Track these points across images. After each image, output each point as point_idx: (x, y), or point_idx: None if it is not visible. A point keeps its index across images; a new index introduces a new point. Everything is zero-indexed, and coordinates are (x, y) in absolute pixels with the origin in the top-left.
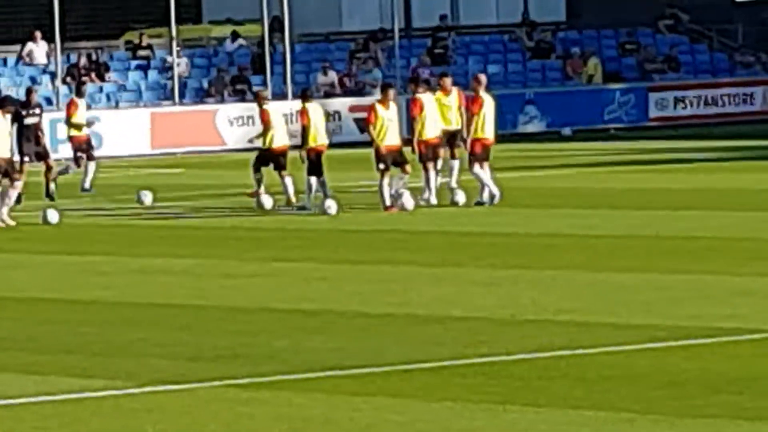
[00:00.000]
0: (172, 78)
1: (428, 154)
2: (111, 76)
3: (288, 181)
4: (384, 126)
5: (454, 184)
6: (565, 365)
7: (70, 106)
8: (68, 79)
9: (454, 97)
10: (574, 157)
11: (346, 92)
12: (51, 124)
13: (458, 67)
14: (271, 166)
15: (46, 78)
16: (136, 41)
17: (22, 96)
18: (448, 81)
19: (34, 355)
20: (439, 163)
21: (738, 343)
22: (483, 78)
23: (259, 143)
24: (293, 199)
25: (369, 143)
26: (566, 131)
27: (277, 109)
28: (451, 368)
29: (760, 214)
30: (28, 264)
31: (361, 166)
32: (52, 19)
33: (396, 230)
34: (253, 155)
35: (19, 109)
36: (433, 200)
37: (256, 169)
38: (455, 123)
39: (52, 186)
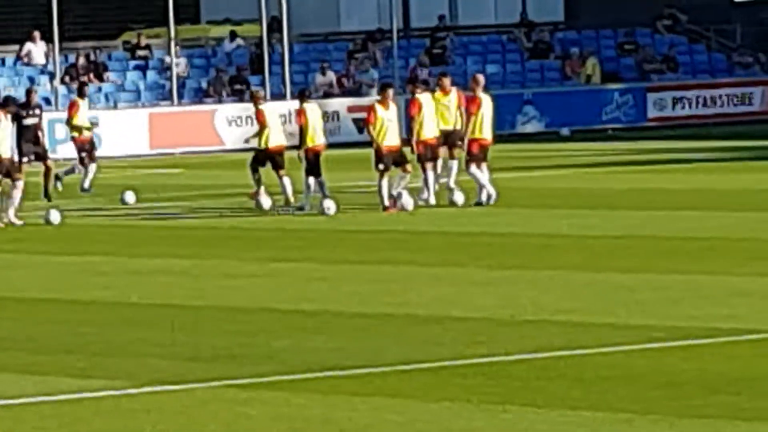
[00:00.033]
0: (170, 78)
1: (426, 154)
2: (109, 76)
3: (286, 181)
4: (384, 126)
5: (452, 185)
6: (563, 365)
7: (72, 107)
8: (67, 79)
9: (453, 97)
10: (572, 157)
11: (345, 92)
12: (49, 124)
13: (457, 68)
14: (269, 166)
15: (44, 78)
16: (135, 41)
17: (22, 96)
18: (447, 81)
19: (34, 355)
20: (440, 163)
21: (736, 344)
22: (481, 78)
23: (254, 143)
24: (291, 198)
25: (368, 143)
26: (565, 131)
27: (273, 109)
28: (450, 368)
29: (759, 215)
30: (28, 264)
31: (359, 167)
32: (51, 19)
33: (395, 230)
34: (250, 155)
35: (18, 109)
36: (432, 200)
37: (254, 170)
38: (454, 123)
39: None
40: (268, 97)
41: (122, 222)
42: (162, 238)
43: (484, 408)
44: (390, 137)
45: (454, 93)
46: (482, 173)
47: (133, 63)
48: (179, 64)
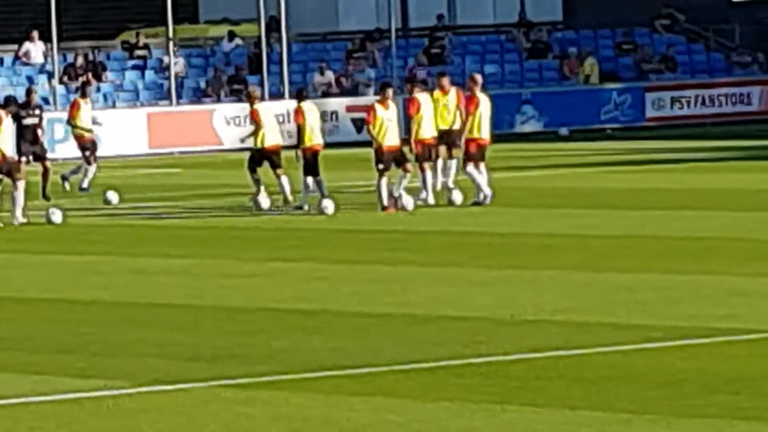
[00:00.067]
0: (168, 78)
1: (425, 154)
2: (108, 76)
3: (284, 180)
4: (383, 126)
5: (451, 184)
6: (562, 365)
7: (73, 106)
8: (65, 78)
9: (452, 97)
10: (570, 157)
11: (343, 92)
12: (48, 123)
13: (455, 67)
14: (266, 165)
15: (43, 78)
16: (133, 41)
17: (22, 96)
18: (445, 80)
19: (33, 355)
20: (440, 162)
21: (735, 344)
22: (479, 78)
23: (249, 143)
24: (290, 197)
25: (367, 143)
26: (563, 131)
27: (268, 109)
28: (449, 368)
29: (758, 215)
30: (27, 264)
31: (358, 166)
32: (49, 19)
33: (394, 230)
34: (248, 156)
35: (18, 109)
36: (431, 200)
37: (252, 171)
38: (452, 122)
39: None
40: (267, 96)
41: (121, 222)
42: (161, 237)
43: (483, 408)
44: (390, 137)
45: (453, 92)
46: (479, 173)
47: (131, 63)
48: (177, 64)
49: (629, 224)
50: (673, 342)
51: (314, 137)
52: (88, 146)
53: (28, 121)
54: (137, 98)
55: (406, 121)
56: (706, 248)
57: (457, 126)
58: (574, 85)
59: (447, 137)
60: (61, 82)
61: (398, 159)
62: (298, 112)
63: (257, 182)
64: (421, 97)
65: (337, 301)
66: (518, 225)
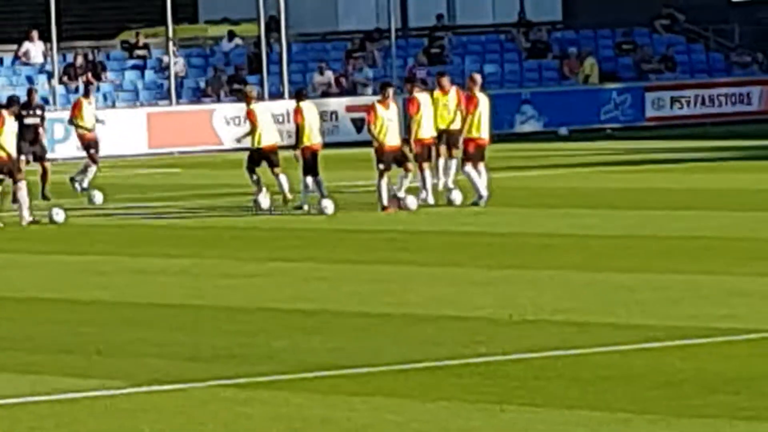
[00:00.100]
0: (168, 78)
1: (424, 153)
2: (107, 75)
3: (282, 178)
4: (384, 126)
5: (450, 184)
6: (561, 365)
7: (75, 106)
8: (65, 78)
9: (452, 96)
10: (570, 157)
11: (343, 92)
12: (48, 123)
13: (455, 67)
14: (264, 165)
15: (42, 78)
16: (133, 41)
17: (21, 95)
18: (445, 80)
19: (32, 355)
20: (441, 162)
21: (735, 343)
22: (478, 77)
23: (246, 142)
24: (289, 195)
25: (366, 143)
26: (563, 131)
27: (264, 108)
28: (448, 368)
29: (758, 214)
30: (27, 264)
31: (358, 166)
32: (49, 19)
33: (393, 230)
34: (246, 156)
35: (19, 109)
36: (431, 200)
37: (251, 171)
38: (450, 122)
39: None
40: (266, 96)
41: (121, 222)
42: (160, 237)
43: (482, 408)
44: (390, 137)
45: (453, 92)
46: (477, 173)
47: (131, 62)
48: (177, 64)
49: (629, 224)
50: (672, 342)
51: (313, 137)
52: (91, 145)
53: (29, 120)
54: (137, 98)
55: (406, 121)
56: (705, 248)
57: (457, 126)
58: (574, 85)
59: (447, 137)
60: (60, 82)
61: (399, 159)
62: (298, 111)
63: (257, 183)
64: (421, 96)
65: (337, 301)
66: (518, 225)
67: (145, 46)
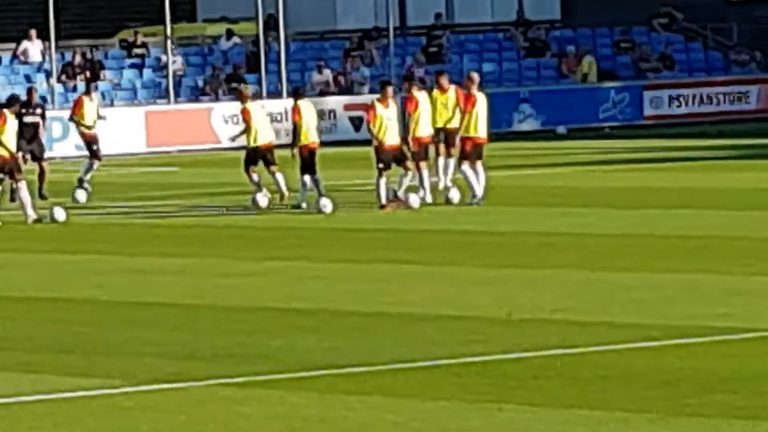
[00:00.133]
0: (167, 76)
1: (421, 152)
2: (106, 74)
3: (279, 176)
4: (384, 125)
5: (449, 183)
6: (560, 364)
7: (77, 104)
8: (63, 77)
9: (451, 95)
10: (568, 155)
11: (341, 91)
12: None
13: (453, 66)
14: (261, 164)
15: (41, 76)
16: (131, 40)
17: (19, 94)
18: (444, 79)
19: (31, 354)
20: (441, 161)
21: (732, 343)
22: (476, 76)
23: (240, 141)
24: (286, 192)
25: (364, 142)
26: (561, 130)
27: (259, 107)
28: (446, 367)
29: (755, 213)
30: (25, 263)
31: (356, 165)
32: (47, 18)
33: (391, 229)
34: (243, 155)
35: (19, 108)
36: (429, 198)
37: (249, 171)
38: (448, 120)
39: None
40: (265, 95)
41: (119, 221)
42: (158, 237)
43: (481, 407)
44: (390, 136)
45: (452, 91)
46: (474, 173)
47: (129, 61)
48: (176, 63)
49: (627, 223)
50: (670, 341)
51: (310, 135)
52: (92, 142)
53: (28, 119)
54: (135, 97)
55: (404, 120)
56: (703, 247)
57: (456, 125)
58: (572, 84)
59: (446, 136)
60: (59, 80)
61: (398, 158)
62: (295, 110)
63: (256, 183)
64: (419, 95)
65: (335, 300)
66: (516, 224)
67: (144, 45)
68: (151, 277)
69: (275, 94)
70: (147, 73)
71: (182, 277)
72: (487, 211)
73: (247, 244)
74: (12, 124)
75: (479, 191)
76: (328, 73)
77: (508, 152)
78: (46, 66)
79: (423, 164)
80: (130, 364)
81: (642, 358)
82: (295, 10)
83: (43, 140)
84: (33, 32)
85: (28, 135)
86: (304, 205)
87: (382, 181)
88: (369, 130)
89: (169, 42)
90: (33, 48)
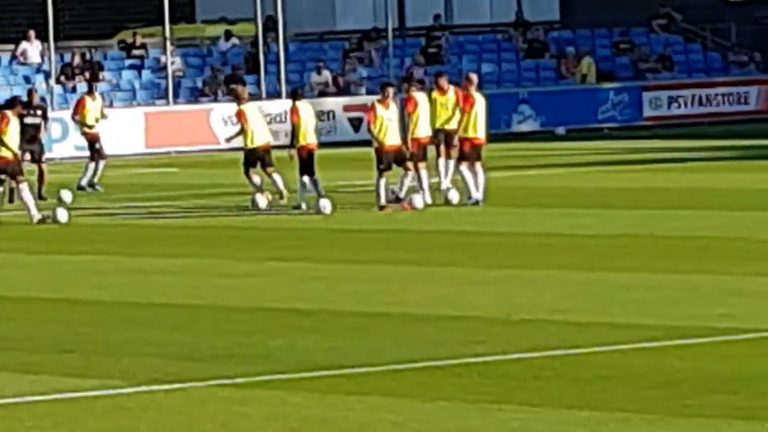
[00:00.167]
0: (166, 77)
1: (420, 153)
2: (105, 75)
3: (276, 177)
4: (384, 126)
5: (448, 183)
6: (560, 365)
7: (79, 104)
8: (62, 78)
9: (451, 96)
10: (568, 156)
11: (340, 91)
12: None
13: (452, 67)
14: (259, 165)
15: (40, 77)
16: (130, 41)
17: (18, 95)
18: (443, 80)
19: (31, 355)
20: (441, 161)
21: (732, 343)
22: (474, 77)
23: (236, 143)
24: (285, 191)
25: (363, 142)
26: (560, 131)
27: (255, 108)
28: (446, 368)
29: (755, 214)
30: (25, 263)
31: (355, 166)
32: (46, 19)
33: (391, 230)
34: (241, 158)
35: (21, 109)
36: (428, 199)
37: (249, 174)
38: (447, 120)
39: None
40: (264, 96)
41: (119, 221)
42: (158, 237)
43: (481, 407)
44: (390, 136)
45: (451, 92)
46: (472, 174)
47: (128, 62)
48: (174, 63)
49: (627, 224)
50: (670, 341)
51: (308, 136)
52: (94, 141)
53: (28, 120)
54: (134, 98)
55: (403, 121)
56: (703, 247)
57: (455, 126)
58: (571, 85)
59: (446, 137)
60: (58, 81)
61: (399, 158)
62: (293, 111)
63: (255, 184)
64: (418, 96)
65: (335, 300)
66: (516, 225)
67: (143, 46)
68: (152, 278)
69: (274, 95)
70: (146, 74)
71: (182, 277)
72: (487, 211)
73: (248, 245)
74: (15, 125)
75: (474, 193)
76: (327, 74)
77: (507, 153)
78: (45, 67)
79: (422, 165)
80: (130, 364)
81: (642, 359)
82: (294, 10)
83: (44, 141)
84: (32, 33)
85: (28, 136)
86: (303, 205)
87: (382, 181)
88: (369, 131)
89: (168, 43)
90: (32, 49)
